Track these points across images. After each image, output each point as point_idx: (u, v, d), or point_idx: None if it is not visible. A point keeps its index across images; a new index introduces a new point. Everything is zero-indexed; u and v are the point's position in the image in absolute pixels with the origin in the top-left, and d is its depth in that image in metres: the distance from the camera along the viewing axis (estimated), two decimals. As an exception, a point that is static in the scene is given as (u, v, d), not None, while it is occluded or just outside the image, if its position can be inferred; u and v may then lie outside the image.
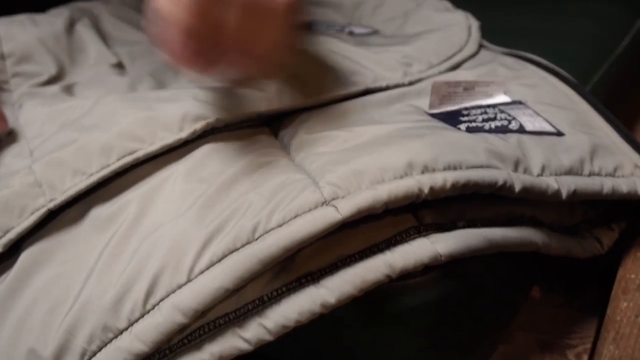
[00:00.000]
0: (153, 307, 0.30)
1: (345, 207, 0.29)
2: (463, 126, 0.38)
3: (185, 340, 0.30)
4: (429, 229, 0.31)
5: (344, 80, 0.42)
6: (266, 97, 0.39)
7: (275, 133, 0.40)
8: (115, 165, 0.35)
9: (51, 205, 0.34)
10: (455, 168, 0.32)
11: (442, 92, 0.41)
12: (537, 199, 0.34)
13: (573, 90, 0.44)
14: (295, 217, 0.30)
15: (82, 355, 0.30)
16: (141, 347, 0.29)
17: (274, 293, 0.29)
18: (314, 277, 0.29)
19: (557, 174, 0.35)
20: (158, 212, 0.32)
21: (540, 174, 0.35)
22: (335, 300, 0.29)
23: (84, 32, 0.53)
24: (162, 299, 0.30)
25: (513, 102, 0.42)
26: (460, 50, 0.49)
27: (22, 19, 0.52)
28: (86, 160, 0.35)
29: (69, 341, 0.30)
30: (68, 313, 0.31)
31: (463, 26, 0.53)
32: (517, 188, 0.33)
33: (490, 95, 0.43)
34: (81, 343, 0.30)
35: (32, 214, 0.34)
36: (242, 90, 0.39)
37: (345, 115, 0.39)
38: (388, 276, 0.29)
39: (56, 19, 0.52)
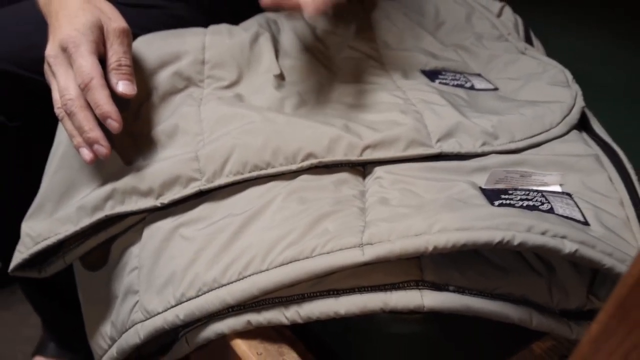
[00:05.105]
0: (243, 278, 0.47)
1: (369, 252, 0.43)
2: (497, 202, 0.48)
3: (253, 305, 0.46)
4: (425, 285, 0.43)
5: (425, 139, 0.54)
6: None
7: (364, 173, 0.54)
8: (246, 176, 0.52)
9: (204, 188, 0.53)
10: (460, 231, 0.43)
11: (499, 176, 0.50)
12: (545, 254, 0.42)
13: (627, 193, 0.51)
14: (339, 249, 0.44)
15: (198, 291, 0.48)
16: (229, 300, 0.46)
17: (310, 294, 0.45)
18: (337, 292, 0.44)
19: (561, 237, 0.42)
20: (264, 218, 0.49)
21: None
22: (343, 313, 0.43)
23: (264, 45, 0.69)
24: (249, 275, 0.46)
25: (562, 193, 0.50)
26: (547, 130, 0.57)
27: (222, 29, 0.70)
28: (237, 165, 0.52)
29: (195, 280, 0.48)
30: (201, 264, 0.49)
31: (565, 106, 0.60)
32: (516, 242, 0.41)
33: (545, 184, 0.51)
34: (199, 283, 0.48)
35: (186, 187, 0.53)
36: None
37: (414, 174, 0.51)
38: (382, 309, 0.42)
39: (246, 33, 0.69)
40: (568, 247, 0.41)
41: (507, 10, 0.82)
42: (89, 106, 0.50)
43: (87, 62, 0.50)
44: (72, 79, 0.51)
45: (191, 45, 0.66)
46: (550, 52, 0.81)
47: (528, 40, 0.80)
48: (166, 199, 0.53)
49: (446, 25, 0.77)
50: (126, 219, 0.55)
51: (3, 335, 1.02)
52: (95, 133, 0.50)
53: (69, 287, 0.66)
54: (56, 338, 0.89)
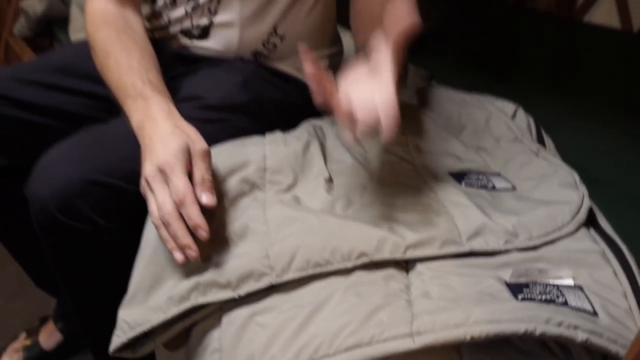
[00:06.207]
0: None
1: (419, 341, 0.53)
2: (520, 296, 0.58)
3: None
4: (464, 368, 0.53)
5: (457, 238, 0.65)
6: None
7: (407, 268, 0.65)
8: (309, 272, 0.63)
9: (274, 282, 0.63)
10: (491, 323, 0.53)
11: (520, 272, 0.61)
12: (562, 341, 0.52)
13: (630, 285, 0.60)
14: (393, 338, 0.54)
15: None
16: None
17: (369, 376, 0.54)
18: (391, 374, 0.54)
19: (573, 328, 0.53)
20: (328, 309, 0.59)
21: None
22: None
23: (314, 152, 0.82)
24: (319, 358, 0.56)
25: (574, 287, 0.60)
26: (560, 228, 0.68)
27: (278, 139, 0.82)
28: (302, 262, 0.63)
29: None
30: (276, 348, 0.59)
31: (573, 206, 0.70)
32: (537, 333, 0.52)
33: (560, 278, 0.61)
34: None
35: (258, 281, 0.64)
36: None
37: (450, 270, 0.62)
38: (428, 389, 0.52)
39: (298, 142, 0.82)
40: (580, 336, 0.51)
41: (521, 112, 0.94)
42: (182, 217, 0.62)
43: (181, 183, 0.63)
44: (167, 195, 0.63)
45: (253, 155, 0.79)
46: (560, 148, 0.92)
47: (540, 139, 0.92)
48: (242, 291, 0.64)
49: (468, 129, 0.90)
50: (207, 307, 0.66)
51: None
52: (188, 240, 0.62)
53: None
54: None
